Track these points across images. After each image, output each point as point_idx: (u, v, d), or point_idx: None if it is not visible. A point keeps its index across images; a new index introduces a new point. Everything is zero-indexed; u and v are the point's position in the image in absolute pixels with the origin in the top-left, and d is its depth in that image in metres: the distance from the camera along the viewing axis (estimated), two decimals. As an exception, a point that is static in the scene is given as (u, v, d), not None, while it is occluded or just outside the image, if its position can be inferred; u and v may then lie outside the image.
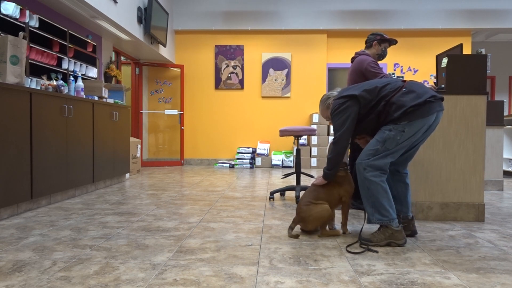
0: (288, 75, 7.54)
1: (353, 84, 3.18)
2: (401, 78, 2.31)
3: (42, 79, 4.00)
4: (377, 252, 2.09)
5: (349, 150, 2.53)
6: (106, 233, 2.45)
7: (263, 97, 7.60)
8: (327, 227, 2.46)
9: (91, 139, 4.07)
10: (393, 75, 7.55)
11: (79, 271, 1.77)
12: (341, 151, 2.29)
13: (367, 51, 3.35)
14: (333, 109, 2.33)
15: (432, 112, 2.15)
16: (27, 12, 3.89)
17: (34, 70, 4.04)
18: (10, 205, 2.87)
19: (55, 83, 3.60)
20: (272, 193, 3.73)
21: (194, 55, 7.64)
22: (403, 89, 2.20)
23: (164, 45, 6.65)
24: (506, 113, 9.17)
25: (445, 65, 2.91)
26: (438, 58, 3.84)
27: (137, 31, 5.66)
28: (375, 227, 2.65)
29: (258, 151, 7.38)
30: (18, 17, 3.76)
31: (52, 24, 4.35)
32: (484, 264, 1.91)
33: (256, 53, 7.58)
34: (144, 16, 5.91)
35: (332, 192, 2.37)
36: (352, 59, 3.37)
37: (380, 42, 3.33)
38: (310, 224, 2.33)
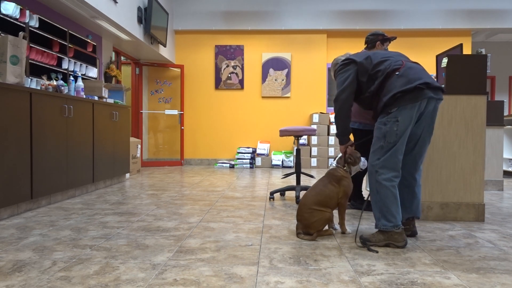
0: (288, 75, 7.54)
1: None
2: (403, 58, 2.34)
3: (42, 79, 4.00)
4: (377, 252, 2.09)
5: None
6: (106, 233, 2.45)
7: (263, 97, 7.60)
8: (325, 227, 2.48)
9: (91, 139, 4.07)
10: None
11: (79, 271, 1.77)
12: (342, 108, 2.35)
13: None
14: (337, 69, 2.49)
15: (422, 98, 2.12)
16: (27, 12, 3.89)
17: (34, 70, 4.04)
18: (10, 205, 2.87)
19: (55, 83, 3.60)
20: (272, 193, 3.73)
21: (194, 55, 7.64)
22: (397, 73, 2.19)
23: (164, 45, 6.65)
24: (506, 113, 9.17)
25: (445, 65, 2.91)
26: (438, 58, 3.84)
27: (137, 31, 5.66)
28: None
29: (258, 151, 7.38)
30: (18, 17, 3.76)
31: (52, 24, 4.35)
32: (484, 264, 1.91)
33: (256, 53, 7.58)
34: (144, 16, 5.91)
35: (333, 195, 2.37)
36: None
37: (383, 41, 3.33)
38: (313, 229, 2.35)
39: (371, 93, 2.27)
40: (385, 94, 2.18)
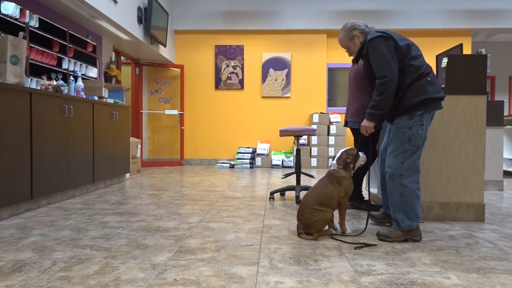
0: (288, 75, 7.54)
1: (357, 85, 3.18)
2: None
3: (42, 79, 4.00)
4: (375, 245, 2.14)
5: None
6: (106, 233, 2.45)
7: (263, 97, 7.60)
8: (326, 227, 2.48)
9: (91, 139, 4.07)
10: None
11: (79, 271, 1.77)
12: (393, 90, 2.22)
13: None
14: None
15: (438, 108, 2.27)
16: (27, 12, 3.89)
17: (34, 70, 4.04)
18: (10, 205, 2.87)
19: (55, 83, 3.60)
20: (272, 193, 3.72)
21: (194, 55, 7.64)
22: (428, 78, 2.24)
23: (164, 45, 6.65)
24: (506, 113, 9.17)
25: (445, 65, 2.91)
26: (438, 58, 3.84)
27: (137, 31, 5.66)
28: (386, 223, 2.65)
29: (258, 151, 7.38)
30: (18, 17, 3.76)
31: (52, 24, 4.35)
32: (484, 264, 1.91)
33: (256, 53, 7.58)
34: (144, 16, 5.91)
35: (334, 195, 2.38)
36: (355, 60, 3.35)
37: None
38: (313, 229, 2.35)
39: (401, 87, 2.25)
40: (414, 96, 2.21)
